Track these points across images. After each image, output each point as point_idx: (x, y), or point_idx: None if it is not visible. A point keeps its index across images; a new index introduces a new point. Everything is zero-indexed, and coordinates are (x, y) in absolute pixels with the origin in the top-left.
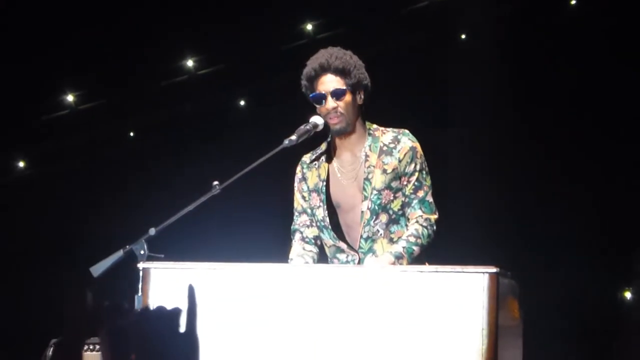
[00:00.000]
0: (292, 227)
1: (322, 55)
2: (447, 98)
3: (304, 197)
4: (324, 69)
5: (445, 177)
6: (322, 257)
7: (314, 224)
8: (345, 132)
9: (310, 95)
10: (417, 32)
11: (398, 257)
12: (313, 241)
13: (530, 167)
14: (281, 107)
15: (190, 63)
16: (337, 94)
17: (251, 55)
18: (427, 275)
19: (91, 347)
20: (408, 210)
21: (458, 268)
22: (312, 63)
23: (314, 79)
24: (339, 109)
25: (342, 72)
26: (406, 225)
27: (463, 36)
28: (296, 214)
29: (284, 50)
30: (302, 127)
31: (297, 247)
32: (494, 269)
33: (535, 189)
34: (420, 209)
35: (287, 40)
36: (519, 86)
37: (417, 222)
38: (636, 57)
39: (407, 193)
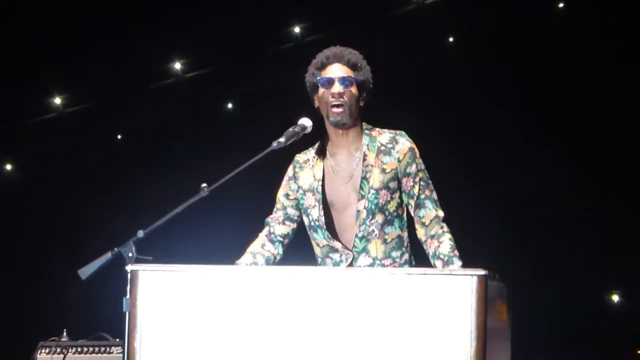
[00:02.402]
0: (266, 219)
1: (335, 47)
2: (436, 100)
3: (287, 195)
4: (336, 58)
5: (434, 179)
6: (290, 257)
7: (287, 223)
8: (345, 125)
9: (318, 79)
10: (404, 35)
11: None
12: (279, 239)
13: (520, 172)
14: (269, 109)
15: (177, 66)
16: (346, 81)
17: (239, 58)
18: (415, 277)
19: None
20: (422, 212)
21: (446, 270)
22: (324, 53)
23: (324, 66)
24: (345, 96)
25: (353, 66)
26: (401, 227)
27: (451, 39)
28: (275, 208)
29: (272, 53)
30: (290, 129)
31: (257, 242)
32: (482, 272)
33: (525, 195)
34: (434, 208)
35: (275, 43)
36: (509, 88)
37: (442, 229)
38: (627, 56)
39: (415, 193)
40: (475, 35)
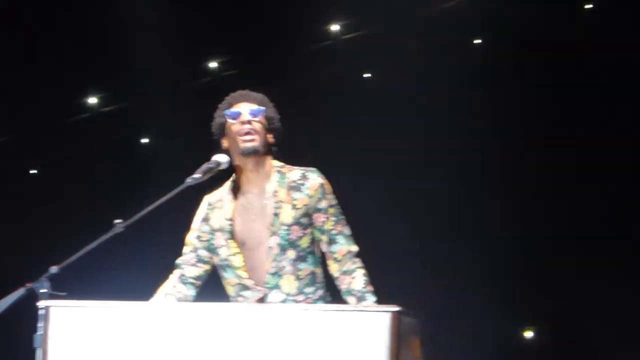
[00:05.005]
0: (177, 261)
1: (242, 90)
2: (354, 135)
3: (199, 237)
4: (244, 97)
5: (352, 215)
6: (203, 296)
7: (199, 265)
8: (257, 153)
9: (226, 112)
10: (322, 71)
11: None
12: (191, 281)
13: (437, 210)
14: (185, 144)
15: (94, 100)
16: (254, 112)
17: (156, 93)
18: (328, 314)
19: None
20: (334, 247)
21: (360, 307)
22: (231, 95)
23: (231, 105)
24: (254, 124)
25: (260, 102)
26: (314, 263)
27: (366, 75)
28: (185, 250)
29: (189, 87)
30: (205, 165)
31: (168, 284)
32: (396, 308)
33: (443, 233)
34: (347, 243)
35: (191, 77)
36: (429, 127)
37: (355, 264)
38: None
39: (327, 229)
40: (393, 71)
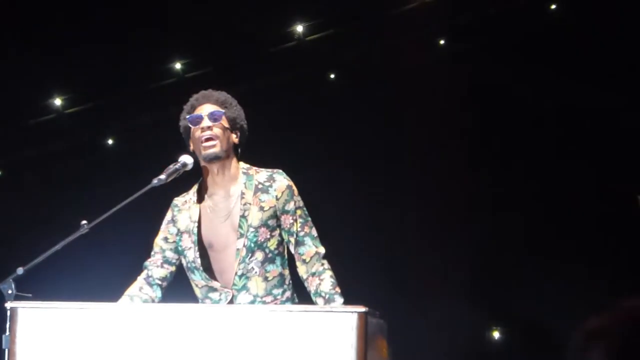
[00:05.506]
0: (145, 263)
1: (205, 90)
2: (318, 137)
3: (166, 239)
4: (205, 98)
5: (317, 217)
6: (171, 298)
7: (165, 266)
8: (219, 159)
9: (187, 117)
10: (286, 72)
11: None
12: (158, 282)
13: (403, 209)
14: (150, 145)
15: (57, 102)
16: (215, 116)
17: (119, 94)
18: (296, 314)
19: None
20: (302, 249)
21: (327, 307)
22: (194, 96)
23: (195, 107)
24: (214, 129)
25: (222, 104)
26: (282, 265)
27: (332, 76)
28: (152, 252)
29: (152, 89)
30: (171, 166)
31: (135, 285)
32: (362, 309)
33: (406, 231)
34: (314, 245)
35: (155, 79)
36: (391, 125)
37: (323, 266)
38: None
39: (295, 231)
40: (357, 73)
